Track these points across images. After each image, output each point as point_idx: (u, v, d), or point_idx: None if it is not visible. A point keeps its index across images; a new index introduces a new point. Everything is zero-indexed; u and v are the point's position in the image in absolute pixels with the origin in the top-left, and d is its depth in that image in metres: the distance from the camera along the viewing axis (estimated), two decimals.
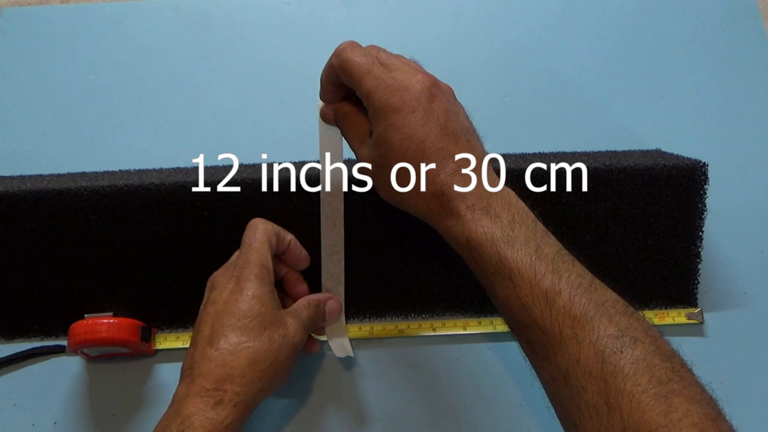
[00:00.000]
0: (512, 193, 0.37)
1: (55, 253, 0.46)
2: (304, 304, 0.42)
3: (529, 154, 0.53)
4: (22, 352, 0.47)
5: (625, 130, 0.55)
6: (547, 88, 0.57)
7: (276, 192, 0.46)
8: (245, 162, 0.52)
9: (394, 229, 0.47)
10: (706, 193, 0.47)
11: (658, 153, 0.52)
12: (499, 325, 0.48)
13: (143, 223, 0.46)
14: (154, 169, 0.52)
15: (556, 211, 0.47)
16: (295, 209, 0.46)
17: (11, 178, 0.50)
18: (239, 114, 0.56)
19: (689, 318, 0.48)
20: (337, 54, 0.38)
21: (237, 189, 0.46)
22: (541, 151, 0.53)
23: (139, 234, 0.46)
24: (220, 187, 0.45)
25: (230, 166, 0.52)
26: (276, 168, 0.49)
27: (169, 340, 0.47)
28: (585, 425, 0.31)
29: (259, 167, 0.51)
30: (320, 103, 0.42)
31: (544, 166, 0.47)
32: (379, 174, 0.38)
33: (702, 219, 0.48)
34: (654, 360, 0.30)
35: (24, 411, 0.46)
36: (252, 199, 0.46)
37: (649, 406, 0.29)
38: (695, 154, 0.49)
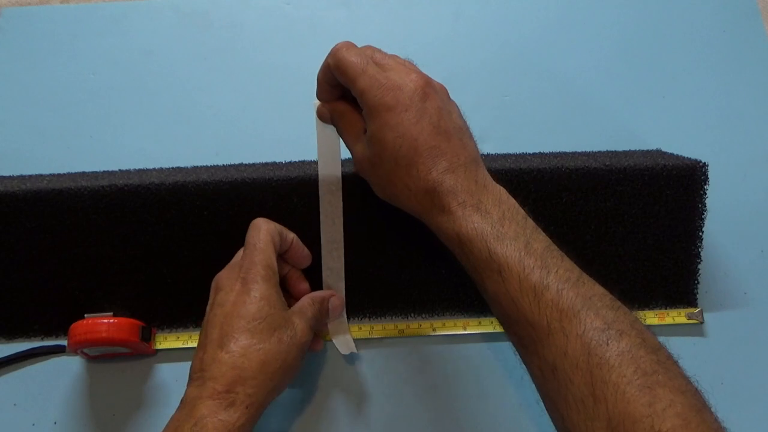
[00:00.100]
0: (503, 191, 0.37)
1: (54, 253, 0.46)
2: (308, 302, 0.43)
3: (529, 154, 0.53)
4: (22, 352, 0.47)
5: (625, 130, 0.55)
6: (547, 88, 0.57)
7: (276, 191, 0.46)
8: (245, 162, 0.52)
9: (394, 229, 0.47)
10: (706, 193, 0.47)
11: (658, 153, 0.52)
12: (498, 326, 0.47)
13: (143, 223, 0.46)
14: (154, 169, 0.52)
15: (556, 211, 0.47)
16: (294, 208, 0.46)
17: (11, 178, 0.50)
18: (239, 114, 0.56)
19: (689, 318, 0.48)
20: (333, 54, 0.39)
21: (237, 189, 0.46)
22: (541, 151, 0.53)
23: (139, 234, 0.46)
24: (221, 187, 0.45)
25: (230, 166, 0.52)
26: (275, 167, 0.50)
27: (169, 340, 0.47)
28: (572, 417, 0.31)
29: (259, 167, 0.51)
30: (317, 102, 0.43)
31: (543, 166, 0.47)
32: (373, 171, 0.39)
33: (702, 219, 0.48)
34: (639, 352, 0.31)
35: (24, 411, 0.46)
36: (252, 198, 0.46)
37: (634, 396, 0.29)
38: (695, 154, 0.49)
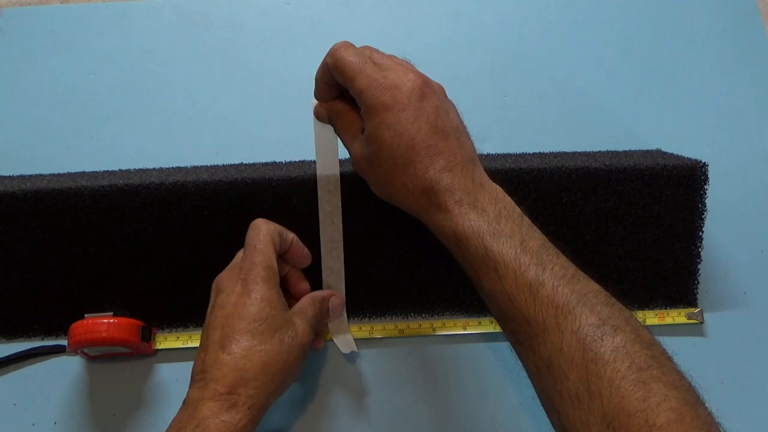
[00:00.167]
0: (500, 189, 0.38)
1: (54, 253, 0.46)
2: (308, 302, 0.43)
3: (529, 154, 0.53)
4: (22, 352, 0.47)
5: (625, 130, 0.55)
6: (547, 88, 0.57)
7: (275, 191, 0.46)
8: (245, 162, 0.52)
9: (394, 229, 0.47)
10: (706, 193, 0.47)
11: (658, 153, 0.52)
12: (498, 325, 0.47)
13: (143, 223, 0.46)
14: (154, 169, 0.52)
15: (557, 211, 0.47)
16: (294, 207, 0.46)
17: (11, 177, 0.50)
18: (239, 114, 0.56)
19: (689, 318, 0.48)
20: (331, 53, 0.39)
21: (237, 188, 0.46)
22: (541, 151, 0.53)
23: (139, 234, 0.46)
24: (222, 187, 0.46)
25: (230, 166, 0.52)
26: (275, 167, 0.50)
27: (170, 340, 0.47)
28: (567, 412, 0.31)
29: (259, 167, 0.51)
30: (314, 102, 0.43)
31: (543, 166, 0.47)
32: (371, 171, 0.39)
33: (702, 219, 0.48)
34: (634, 347, 0.31)
35: (24, 411, 0.46)
36: (252, 198, 0.46)
37: (628, 391, 0.30)
38: (695, 154, 0.49)
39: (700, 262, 0.48)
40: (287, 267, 0.45)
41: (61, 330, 0.47)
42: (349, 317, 0.48)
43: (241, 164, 0.52)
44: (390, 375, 0.47)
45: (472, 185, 0.37)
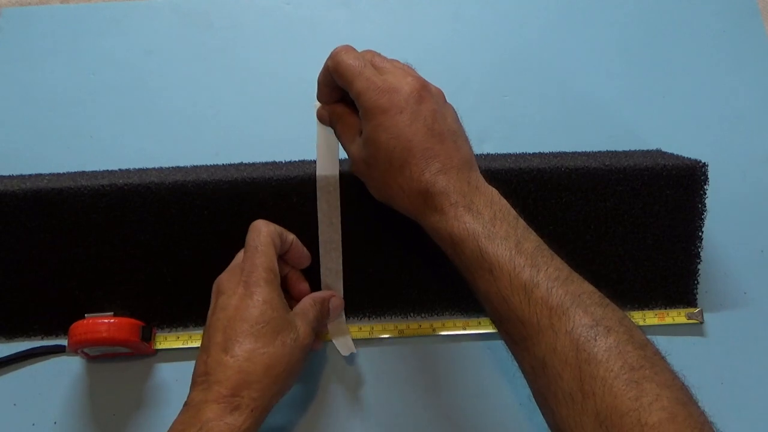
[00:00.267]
0: (495, 192, 0.38)
1: (55, 252, 0.46)
2: (309, 303, 0.43)
3: (529, 154, 0.53)
4: (22, 352, 0.47)
5: (625, 130, 0.55)
6: (547, 88, 0.57)
7: (275, 191, 0.46)
8: (245, 162, 0.52)
9: (394, 229, 0.47)
10: (706, 193, 0.47)
11: (658, 153, 0.52)
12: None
13: (143, 222, 0.46)
14: (154, 169, 0.52)
15: (556, 211, 0.47)
16: (293, 208, 0.46)
17: (11, 177, 0.50)
18: (239, 114, 0.56)
19: (689, 318, 0.48)
20: (332, 56, 0.40)
21: (237, 188, 0.46)
22: (541, 151, 0.53)
23: (139, 233, 0.46)
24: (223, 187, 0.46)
25: (230, 166, 0.52)
26: (275, 167, 0.50)
27: (170, 340, 0.47)
28: (561, 412, 0.32)
29: (259, 167, 0.51)
30: (317, 104, 0.44)
31: (543, 166, 0.47)
32: (369, 173, 0.40)
33: (702, 219, 0.48)
34: (627, 348, 0.31)
35: (24, 411, 0.46)
36: (252, 198, 0.46)
37: (621, 391, 0.30)
38: (695, 154, 0.49)
39: (699, 262, 0.48)
40: (287, 268, 0.45)
41: (61, 330, 0.47)
42: (348, 318, 0.48)
43: (240, 164, 0.52)
44: (390, 375, 0.47)
45: (468, 188, 0.37)
